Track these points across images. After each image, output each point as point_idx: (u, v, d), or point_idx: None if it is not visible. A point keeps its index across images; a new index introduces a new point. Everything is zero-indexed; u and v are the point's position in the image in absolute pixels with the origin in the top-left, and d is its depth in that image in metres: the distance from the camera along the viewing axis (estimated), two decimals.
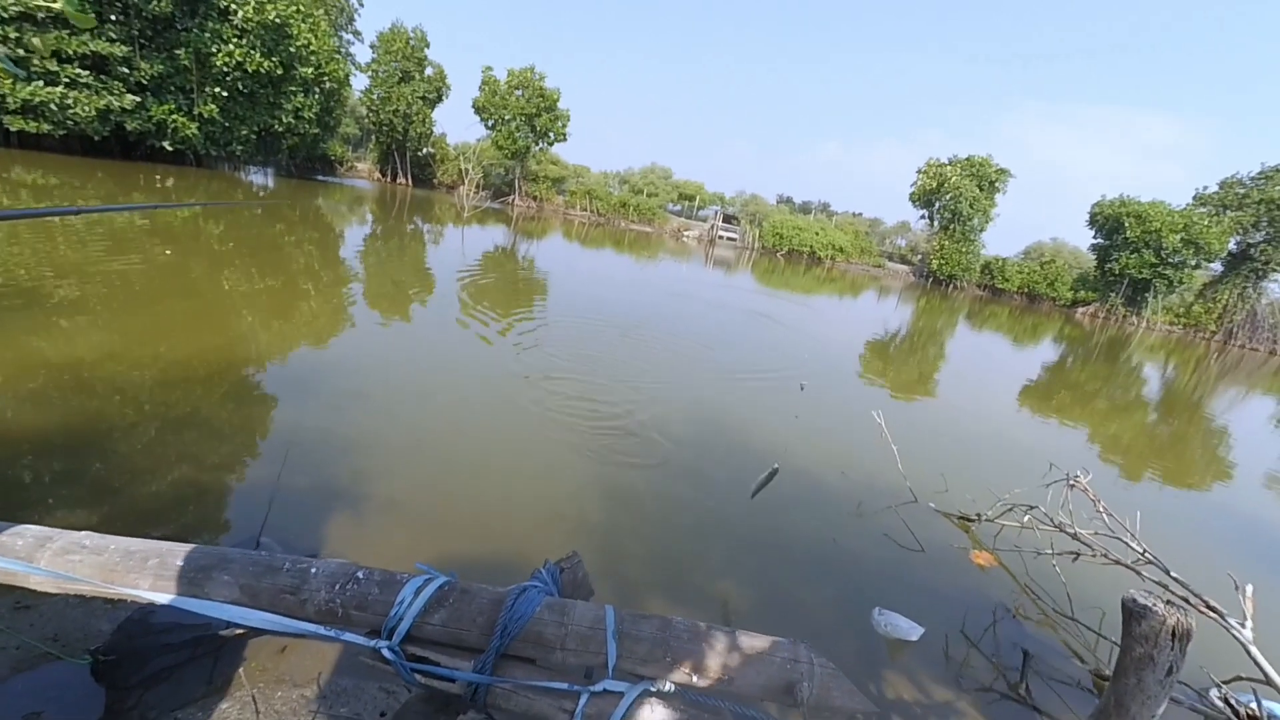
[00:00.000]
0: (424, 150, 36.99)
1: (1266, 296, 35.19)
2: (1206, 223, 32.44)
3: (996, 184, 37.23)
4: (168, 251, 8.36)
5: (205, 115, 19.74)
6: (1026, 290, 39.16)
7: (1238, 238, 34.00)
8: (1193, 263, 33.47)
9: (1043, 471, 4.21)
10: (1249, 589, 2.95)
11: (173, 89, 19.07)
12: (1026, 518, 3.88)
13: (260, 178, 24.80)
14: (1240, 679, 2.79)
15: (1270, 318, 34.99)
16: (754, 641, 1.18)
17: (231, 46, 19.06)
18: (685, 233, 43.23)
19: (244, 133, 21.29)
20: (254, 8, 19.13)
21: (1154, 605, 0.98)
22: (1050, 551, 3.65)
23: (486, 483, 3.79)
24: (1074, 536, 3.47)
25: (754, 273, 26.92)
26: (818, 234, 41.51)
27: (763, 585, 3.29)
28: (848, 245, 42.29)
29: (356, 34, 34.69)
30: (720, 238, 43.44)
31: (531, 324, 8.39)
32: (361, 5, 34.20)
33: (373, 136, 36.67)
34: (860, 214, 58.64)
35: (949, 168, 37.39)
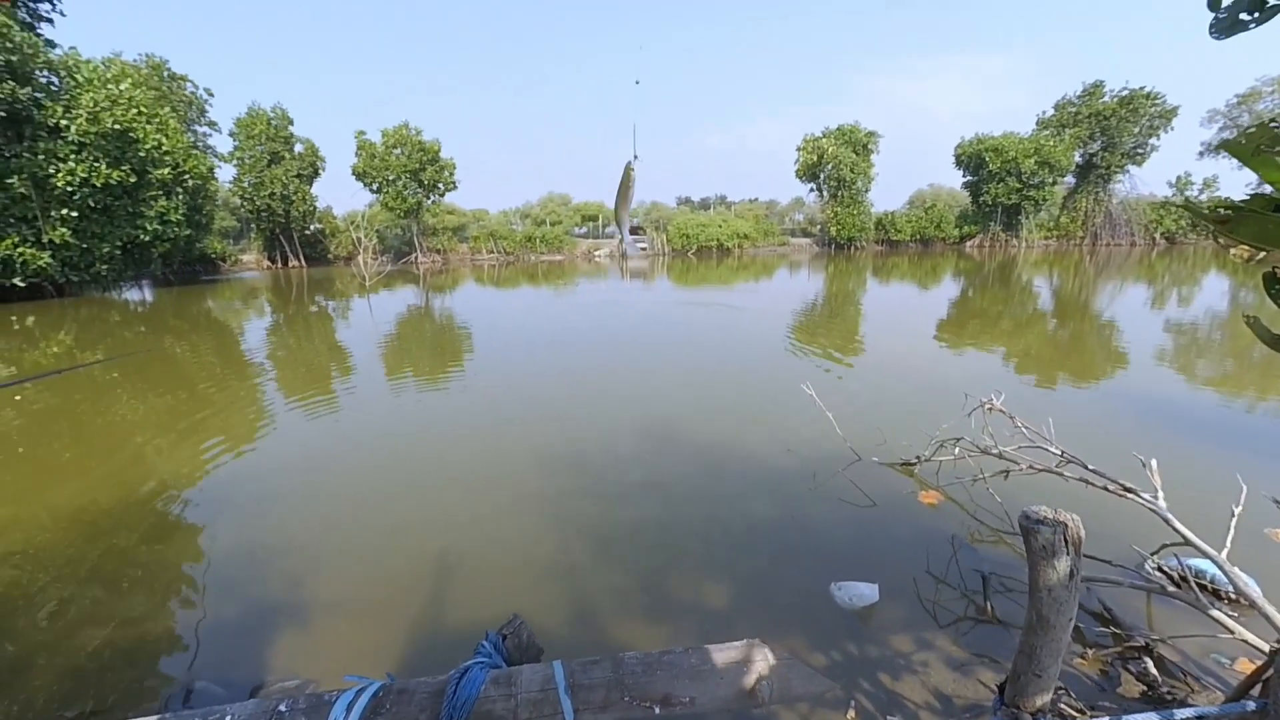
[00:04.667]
0: (311, 228, 35.55)
1: (1115, 197, 39.44)
2: (1052, 143, 36.12)
3: (869, 146, 39.79)
4: (17, 397, 7.60)
5: (57, 241, 18.15)
6: (919, 236, 42.07)
7: (1080, 150, 37.95)
8: (1050, 180, 37.11)
9: (963, 402, 4.50)
10: (1154, 463, 3.24)
11: (12, 220, 17.45)
12: (957, 449, 4.12)
13: (136, 294, 22.98)
14: (1166, 546, 3.06)
15: (1123, 214, 39.22)
16: (709, 654, 1.18)
17: (72, 163, 17.67)
18: (596, 253, 43.53)
19: (106, 250, 19.69)
20: (87, 119, 17.85)
21: (1045, 518, 1.06)
22: (984, 476, 3.89)
23: (429, 558, 3.62)
24: (999, 456, 3.71)
25: (670, 275, 27.42)
26: (721, 226, 42.86)
27: (732, 585, 3.30)
28: (751, 231, 43.88)
29: (212, 124, 32.91)
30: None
31: (463, 376, 8.17)
32: (211, 96, 32.57)
33: (253, 225, 34.88)
34: (756, 199, 61.15)
35: (824, 140, 39.63)
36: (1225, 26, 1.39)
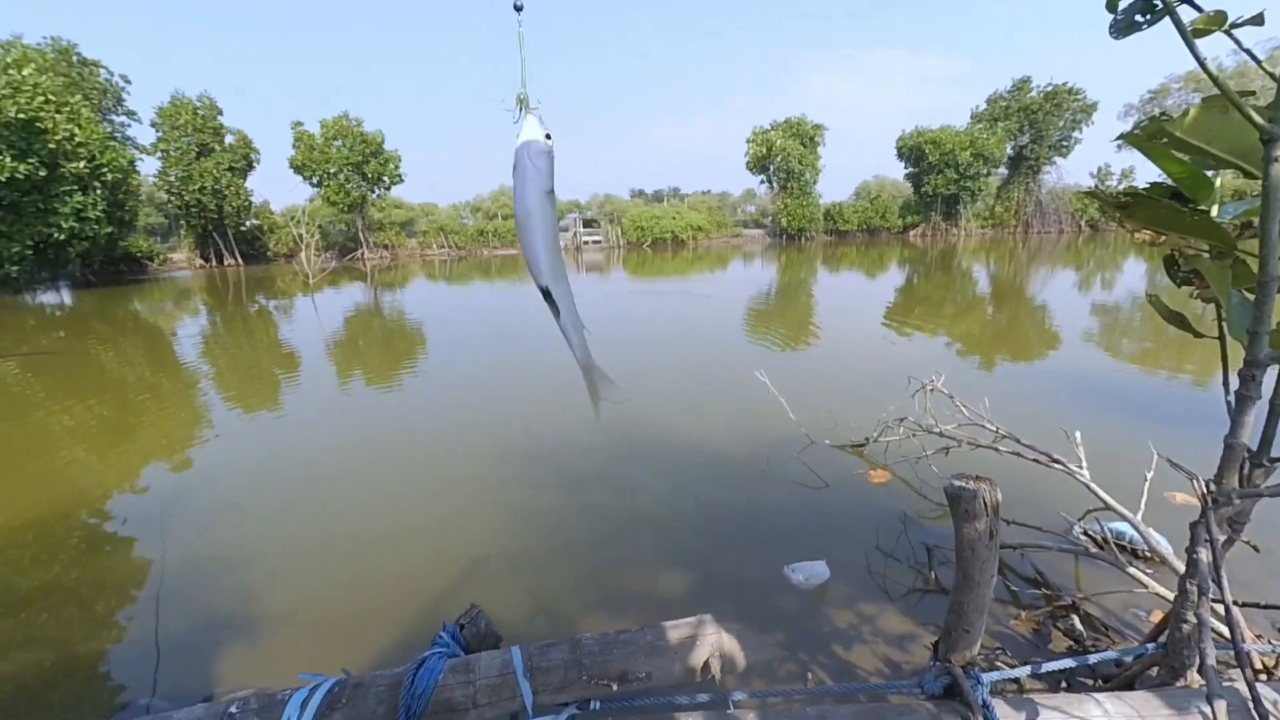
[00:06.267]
0: (247, 224, 33.82)
1: (1044, 187, 41.79)
2: (986, 136, 37.91)
3: (815, 138, 40.77)
4: None
5: None
6: (865, 226, 43.52)
7: (1011, 143, 39.97)
8: (985, 171, 39.04)
9: (907, 384, 4.70)
10: (1078, 435, 3.49)
11: None
12: (901, 429, 4.31)
13: (53, 297, 21.37)
14: (1090, 511, 3.29)
15: (1052, 203, 41.60)
16: (664, 631, 1.22)
17: None
18: None
19: (15, 250, 18.22)
20: None
21: (967, 485, 1.14)
22: (926, 454, 4.09)
23: (386, 560, 3.55)
24: (940, 434, 3.91)
25: (626, 268, 27.43)
26: (675, 218, 43.13)
27: (690, 570, 3.36)
28: (705, 223, 44.32)
29: (131, 114, 30.68)
30: (586, 243, 43.82)
31: (416, 375, 7.98)
32: (128, 83, 30.36)
33: (182, 222, 32.90)
34: (709, 191, 61.82)
35: (773, 133, 40.36)
36: (1123, 27, 1.52)
